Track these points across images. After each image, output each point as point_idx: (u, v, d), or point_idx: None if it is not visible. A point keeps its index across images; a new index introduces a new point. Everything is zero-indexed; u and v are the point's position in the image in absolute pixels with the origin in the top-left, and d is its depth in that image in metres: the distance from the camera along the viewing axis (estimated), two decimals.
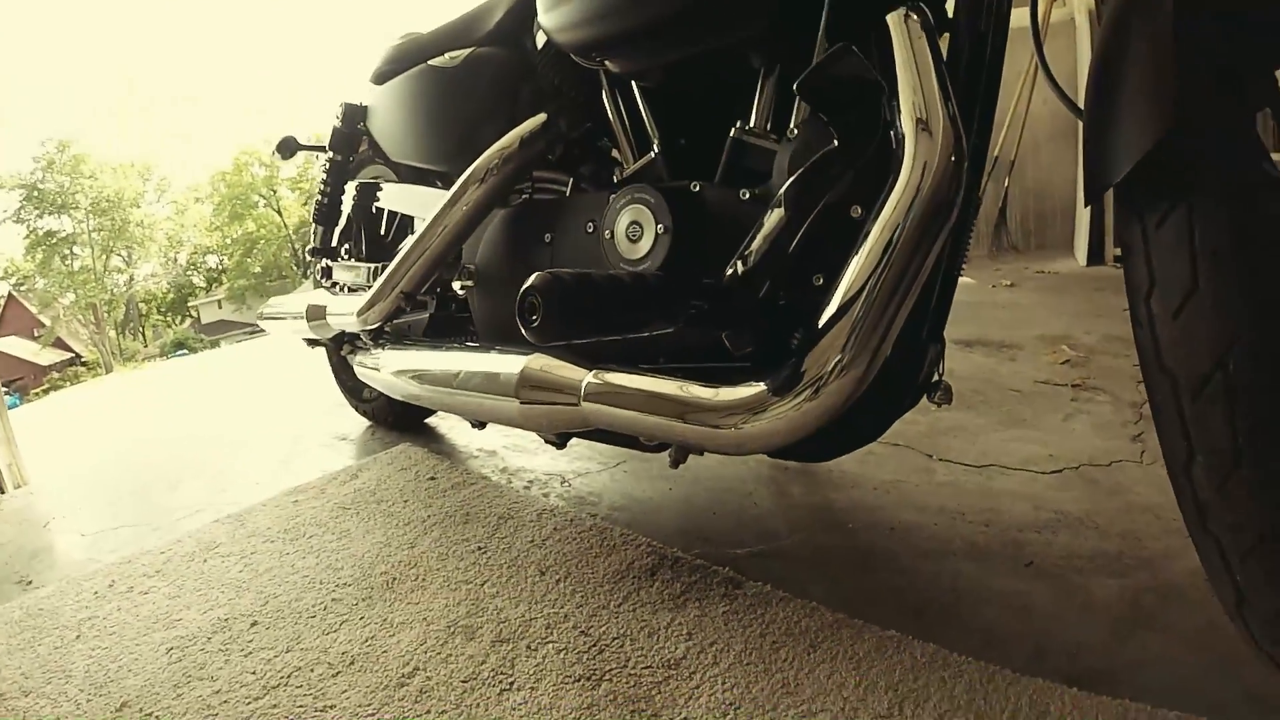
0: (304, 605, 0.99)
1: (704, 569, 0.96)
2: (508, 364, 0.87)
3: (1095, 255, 3.02)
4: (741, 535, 1.06)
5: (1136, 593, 0.83)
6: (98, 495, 1.67)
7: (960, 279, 0.76)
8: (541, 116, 1.00)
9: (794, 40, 0.72)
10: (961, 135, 0.62)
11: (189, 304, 31.83)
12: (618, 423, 0.77)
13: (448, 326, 1.43)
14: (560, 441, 0.94)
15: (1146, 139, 0.52)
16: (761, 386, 0.66)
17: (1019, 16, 0.87)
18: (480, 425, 1.13)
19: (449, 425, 1.75)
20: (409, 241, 1.12)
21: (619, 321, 0.66)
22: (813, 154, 0.67)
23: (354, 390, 1.85)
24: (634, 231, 0.80)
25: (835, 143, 0.66)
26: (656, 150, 0.88)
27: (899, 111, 0.63)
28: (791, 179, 0.66)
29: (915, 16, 0.66)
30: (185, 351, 23.54)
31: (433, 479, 1.38)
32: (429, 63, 1.21)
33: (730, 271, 0.70)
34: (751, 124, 0.78)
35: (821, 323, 0.63)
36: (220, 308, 30.34)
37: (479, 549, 1.09)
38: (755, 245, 0.68)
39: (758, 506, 1.14)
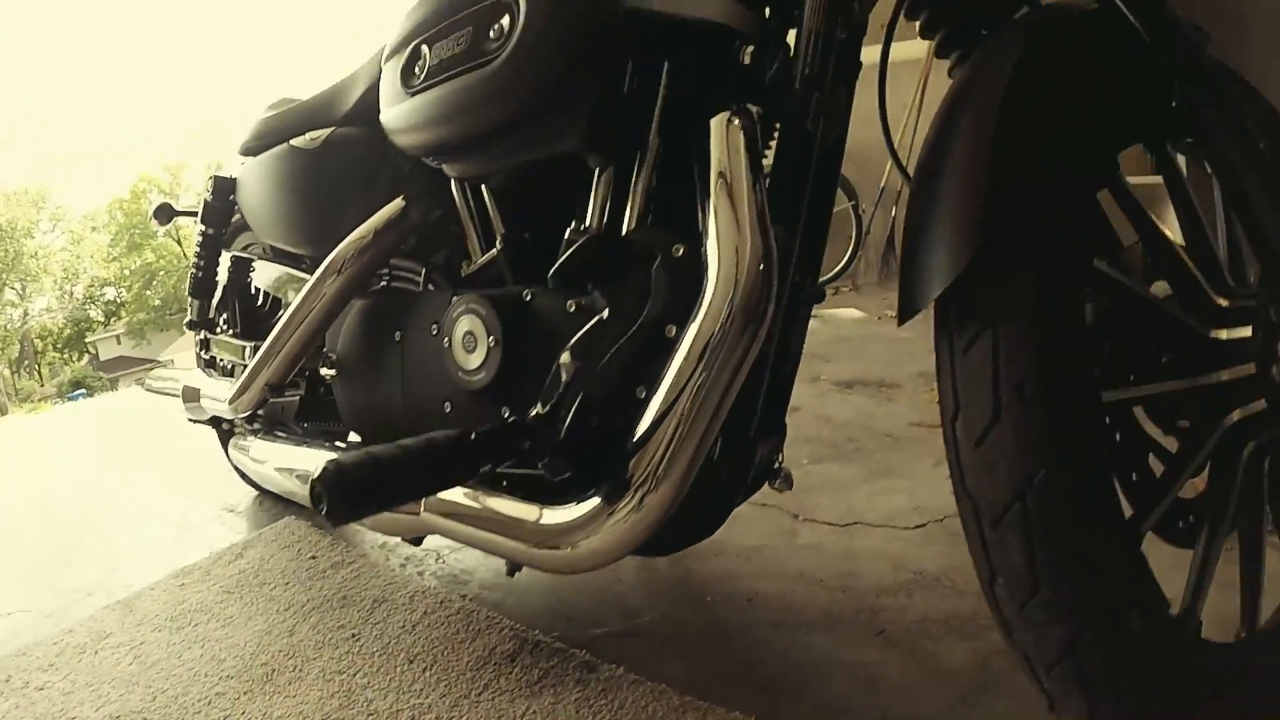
0: (190, 700, 1.00)
1: (562, 652, 1.00)
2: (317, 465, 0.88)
3: None
4: (604, 613, 1.10)
5: (987, 656, 0.85)
6: None
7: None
8: (398, 204, 1.01)
9: (623, 142, 0.74)
10: (771, 247, 0.63)
11: (86, 340, 29.90)
12: (456, 535, 0.80)
13: (319, 410, 1.43)
14: (416, 541, 0.96)
15: (950, 270, 0.53)
16: (585, 506, 0.67)
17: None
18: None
19: None
20: (273, 332, 1.12)
21: (414, 489, 0.67)
22: (633, 265, 0.69)
23: None
24: (469, 342, 0.81)
25: (607, 312, 0.68)
26: (500, 247, 0.88)
27: (708, 223, 0.64)
28: (574, 339, 0.68)
29: (738, 121, 0.66)
30: (83, 393, 22.05)
31: (314, 558, 1.38)
32: (291, 142, 1.22)
33: (537, 407, 0.70)
34: (587, 224, 0.77)
35: (637, 437, 0.65)
36: (119, 343, 28.60)
37: (353, 636, 1.11)
38: (566, 373, 0.69)
39: (622, 582, 1.18)
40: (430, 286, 1.05)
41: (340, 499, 0.59)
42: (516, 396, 0.78)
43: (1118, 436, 0.68)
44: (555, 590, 1.18)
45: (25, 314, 28.98)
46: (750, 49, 0.71)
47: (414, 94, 0.81)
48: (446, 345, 0.85)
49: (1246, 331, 0.62)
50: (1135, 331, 0.65)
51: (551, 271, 0.77)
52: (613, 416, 0.70)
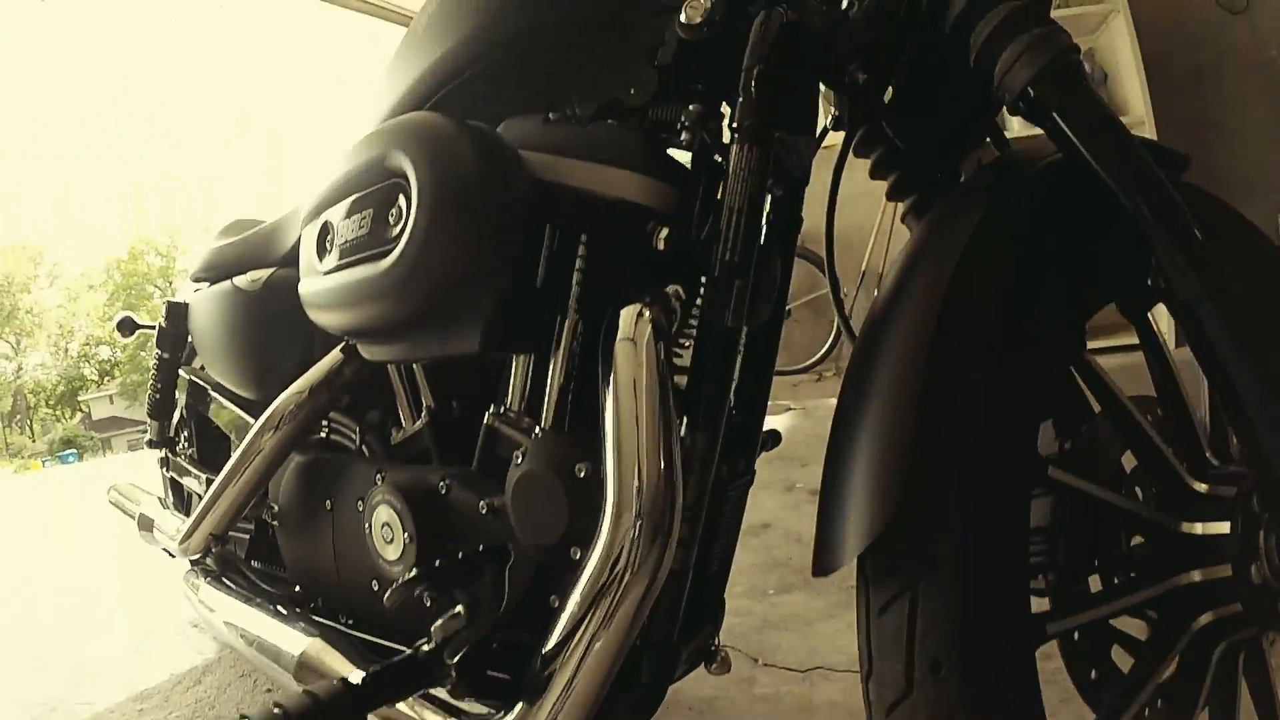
0: None
1: None
2: (288, 642, 0.88)
3: None
4: None
5: None
6: None
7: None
8: (335, 356, 0.97)
9: (534, 330, 0.68)
10: (675, 468, 0.56)
11: (79, 398, 29.86)
12: None
13: (264, 551, 1.42)
14: None
15: (863, 536, 0.49)
16: None
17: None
18: None
19: None
20: (216, 481, 1.13)
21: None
22: (535, 485, 0.64)
23: None
24: (386, 533, 0.79)
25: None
26: (425, 420, 0.86)
27: (606, 436, 0.57)
28: (485, 578, 0.65)
29: (648, 314, 0.60)
30: (74, 453, 21.93)
31: (269, 691, 1.38)
32: (234, 281, 1.20)
33: (438, 631, 0.65)
34: (507, 406, 0.72)
35: (546, 652, 0.61)
36: (112, 403, 28.53)
37: None
38: (477, 585, 0.67)
39: None
40: (364, 447, 1.05)
41: None
42: (435, 589, 0.73)
43: (1075, 635, 0.63)
44: None
45: (19, 369, 28.96)
46: (664, 232, 0.64)
47: (326, 274, 0.77)
48: (368, 530, 0.83)
49: (1224, 527, 0.57)
50: (1095, 532, 0.62)
51: (476, 456, 0.75)
52: (525, 630, 0.66)
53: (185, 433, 1.63)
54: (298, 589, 1.09)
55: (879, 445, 0.51)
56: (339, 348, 0.98)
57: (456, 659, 0.64)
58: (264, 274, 1.17)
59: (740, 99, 0.59)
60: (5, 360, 28.53)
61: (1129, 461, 0.66)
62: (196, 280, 1.41)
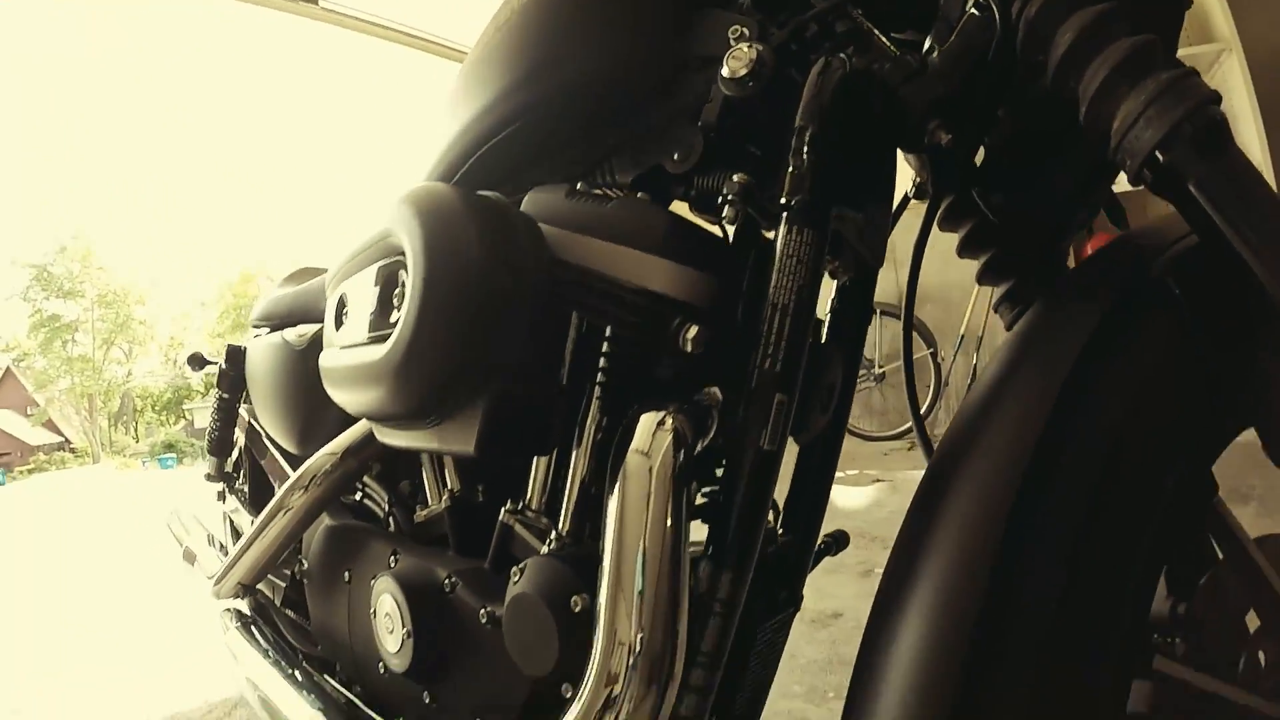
0: None
1: None
2: (296, 711, 0.85)
3: None
4: None
5: None
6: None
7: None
8: (365, 424, 0.94)
9: (545, 435, 0.59)
10: (678, 629, 0.48)
11: (184, 405, 31.85)
12: None
13: (298, 603, 1.41)
14: None
15: None
16: None
17: None
18: None
19: None
20: (248, 532, 1.12)
21: None
22: (525, 618, 0.55)
23: None
24: (388, 623, 0.74)
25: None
26: (445, 504, 0.82)
27: (604, 563, 0.49)
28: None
29: (670, 424, 0.50)
30: (173, 458, 23.24)
31: None
32: (284, 335, 1.21)
33: None
34: (525, 503, 0.65)
35: None
36: None
37: None
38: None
39: None
40: (390, 519, 1.03)
41: None
42: (436, 685, 0.72)
43: None
44: None
45: (129, 373, 31.10)
46: (693, 331, 0.52)
47: (342, 349, 0.70)
48: (372, 614, 0.79)
49: None
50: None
51: (490, 552, 0.67)
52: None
53: (241, 471, 1.66)
54: (319, 649, 1.07)
55: (930, 629, 0.41)
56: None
57: None
58: (310, 330, 1.17)
59: (790, 168, 0.47)
60: (117, 365, 30.71)
61: (1252, 621, 0.53)
62: (255, 326, 1.43)
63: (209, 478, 1.67)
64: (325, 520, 1.06)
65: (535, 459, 0.65)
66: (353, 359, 0.66)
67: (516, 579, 0.57)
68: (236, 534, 1.57)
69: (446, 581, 0.70)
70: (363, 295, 0.68)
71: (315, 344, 1.14)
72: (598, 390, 0.56)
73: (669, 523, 0.49)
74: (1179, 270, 0.47)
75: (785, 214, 0.49)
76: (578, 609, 0.53)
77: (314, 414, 1.15)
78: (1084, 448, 0.42)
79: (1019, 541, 0.41)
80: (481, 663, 0.65)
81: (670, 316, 0.54)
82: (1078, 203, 0.57)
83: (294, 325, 1.24)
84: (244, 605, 1.29)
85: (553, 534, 0.59)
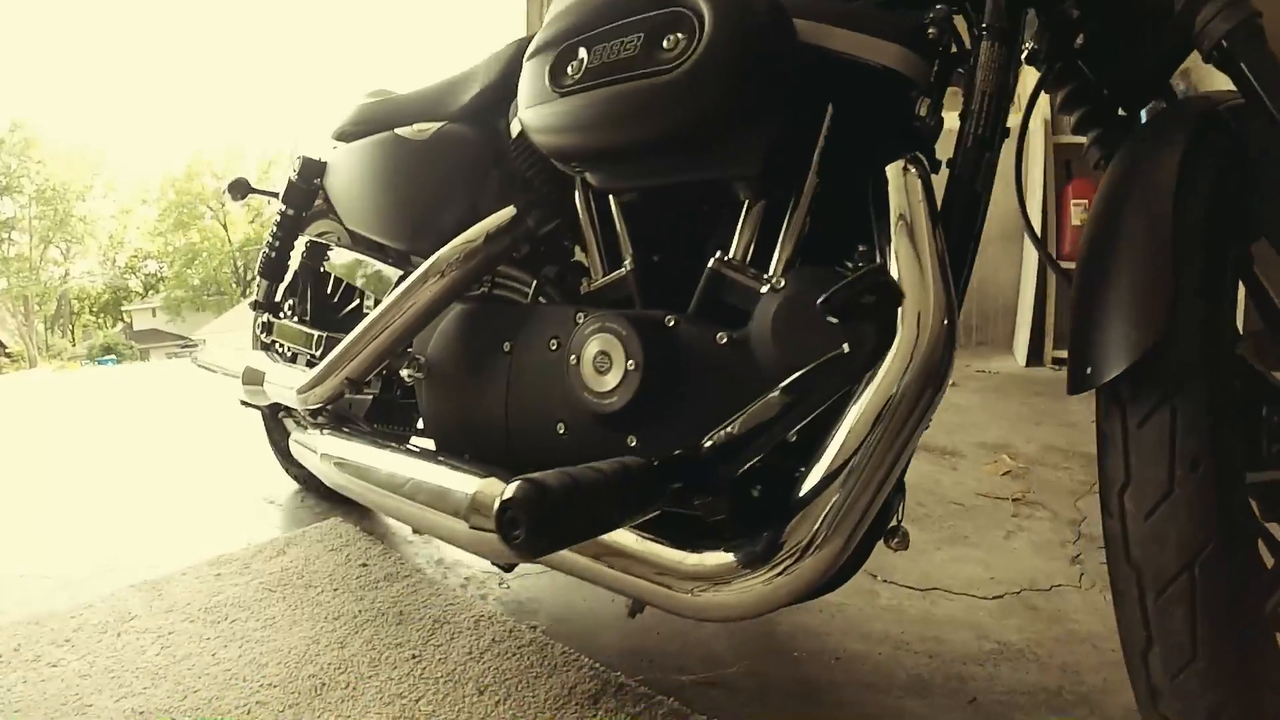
0: (225, 705, 0.90)
1: (648, 698, 0.91)
2: (460, 483, 0.80)
3: (1034, 356, 3.10)
4: (686, 660, 1.01)
5: None
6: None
7: None
8: (510, 210, 0.94)
9: (784, 177, 0.70)
10: (953, 300, 0.60)
11: (123, 308, 30.07)
12: (575, 568, 0.74)
13: (391, 412, 1.34)
14: (508, 567, 0.87)
15: (1137, 346, 0.53)
16: (731, 558, 0.62)
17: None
18: (418, 532, 1.04)
19: None
20: (361, 326, 1.04)
21: (605, 521, 0.59)
22: (801, 308, 0.64)
23: (286, 452, 1.70)
24: (601, 362, 0.75)
25: (845, 347, 0.61)
26: (629, 267, 0.83)
27: (893, 271, 0.60)
28: (800, 374, 0.62)
29: (914, 170, 0.65)
30: (113, 359, 22.08)
31: (364, 565, 1.28)
32: (396, 131, 1.14)
33: (710, 440, 0.65)
34: (731, 255, 0.74)
35: (803, 494, 0.60)
36: (154, 316, 28.69)
37: (414, 657, 1.00)
38: (744, 418, 0.64)
39: (703, 628, 1.09)
40: (540, 300, 0.97)
41: (541, 530, 0.52)
42: (646, 425, 0.74)
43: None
44: (633, 630, 1.08)
45: (66, 274, 29.21)
46: (928, 101, 0.70)
47: (565, 94, 0.75)
48: (573, 363, 0.78)
49: None
50: (1260, 418, 0.63)
51: (695, 300, 0.74)
52: (778, 463, 0.65)
53: (292, 300, 1.55)
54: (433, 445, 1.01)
55: (1138, 278, 0.56)
56: (512, 203, 0.94)
57: (732, 465, 0.64)
58: (432, 126, 1.10)
59: (990, 5, 0.66)
60: (54, 265, 28.72)
61: None
62: (341, 137, 1.32)
63: (256, 305, 1.55)
64: (456, 309, 0.99)
65: (745, 210, 0.74)
66: (603, 96, 0.72)
67: (779, 285, 0.68)
68: (288, 359, 1.46)
69: (666, 319, 0.75)
70: (613, 44, 0.72)
71: (442, 137, 1.08)
72: (820, 152, 0.68)
73: (936, 238, 0.62)
74: (1232, 115, 0.64)
75: (987, 32, 0.66)
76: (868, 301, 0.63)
77: (435, 206, 1.08)
78: (1197, 211, 0.58)
79: (1182, 230, 0.57)
80: (711, 385, 0.70)
81: (905, 91, 0.69)
82: (1153, 74, 0.73)
83: (406, 125, 1.16)
84: (323, 419, 1.21)
85: (766, 278, 0.70)
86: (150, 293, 30.15)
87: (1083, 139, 0.77)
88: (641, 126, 0.70)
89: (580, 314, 0.81)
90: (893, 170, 0.65)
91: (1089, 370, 0.56)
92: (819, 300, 0.58)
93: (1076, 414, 2.17)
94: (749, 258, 0.74)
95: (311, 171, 1.38)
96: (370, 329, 1.01)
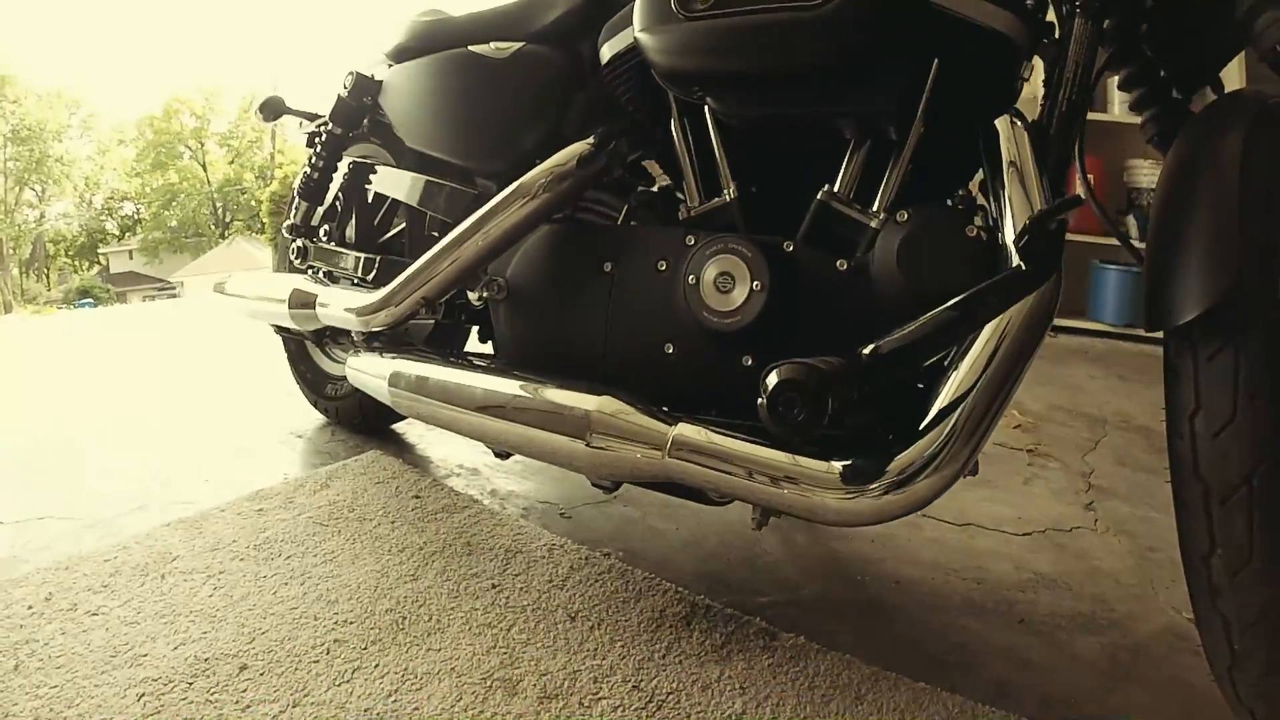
0: (300, 646, 0.82)
1: (737, 619, 0.89)
2: (576, 402, 0.77)
3: None
4: (760, 584, 1.00)
5: (1114, 649, 0.89)
6: (12, 473, 1.37)
7: None
8: (599, 135, 0.89)
9: (901, 118, 0.71)
10: (1061, 244, 0.63)
11: (99, 250, 28.58)
12: (705, 480, 0.72)
13: (450, 337, 1.27)
14: (614, 485, 0.83)
15: (1211, 293, 0.58)
16: (868, 468, 0.65)
17: None
18: (505, 455, 0.99)
19: (419, 433, 1.55)
20: (438, 245, 0.97)
21: (838, 410, 0.61)
22: (931, 240, 0.67)
23: (314, 385, 1.61)
24: (724, 283, 0.74)
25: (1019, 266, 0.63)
26: (733, 194, 0.80)
27: (1007, 215, 0.64)
28: (974, 291, 0.63)
29: (1019, 124, 0.68)
30: (90, 302, 21.08)
31: (417, 498, 1.21)
32: (472, 48, 1.06)
33: (870, 351, 0.64)
34: (837, 189, 0.75)
35: (933, 416, 0.64)
36: (131, 258, 27.29)
37: (494, 587, 0.95)
38: (910, 334, 0.64)
39: (769, 554, 1.08)
40: (632, 224, 0.91)
41: (818, 409, 0.56)
42: (765, 344, 0.74)
43: None
44: (702, 557, 1.06)
45: (41, 216, 27.65)
46: (1031, 65, 0.73)
47: (696, 18, 0.73)
48: (692, 282, 0.75)
49: None
50: None
51: (804, 229, 0.75)
52: (914, 380, 0.70)
53: (328, 224, 1.44)
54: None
55: (1214, 226, 0.60)
56: (601, 130, 0.90)
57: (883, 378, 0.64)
58: (512, 45, 1.03)
59: None
60: (29, 208, 27.07)
61: None
62: (399, 55, 1.21)
63: (292, 229, 1.42)
64: (545, 230, 0.93)
65: (852, 148, 0.75)
66: (744, 24, 0.70)
67: (904, 219, 0.69)
68: (333, 280, 1.36)
69: (784, 244, 0.75)
70: None
71: (523, 56, 1.00)
72: (926, 100, 0.69)
73: (1044, 185, 0.67)
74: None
75: (1080, 10, 0.68)
76: (973, 235, 0.67)
77: (515, 125, 1.01)
78: (1259, 186, 0.61)
79: (1246, 200, 0.60)
80: (831, 308, 0.72)
81: (1009, 52, 0.70)
82: (1210, 65, 0.77)
83: (453, 48, 1.08)
84: (380, 344, 1.14)
85: (874, 211, 0.72)
86: (127, 235, 28.65)
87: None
88: (782, 57, 0.69)
89: (690, 236, 0.79)
90: (1002, 124, 0.68)
91: (1169, 311, 0.60)
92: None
93: (1077, 377, 2.18)
94: (853, 193, 0.75)
95: (364, 89, 1.26)
96: (449, 249, 0.94)
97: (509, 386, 0.82)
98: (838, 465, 0.65)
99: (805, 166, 0.81)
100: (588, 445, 0.74)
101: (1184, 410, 0.61)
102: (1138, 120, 0.77)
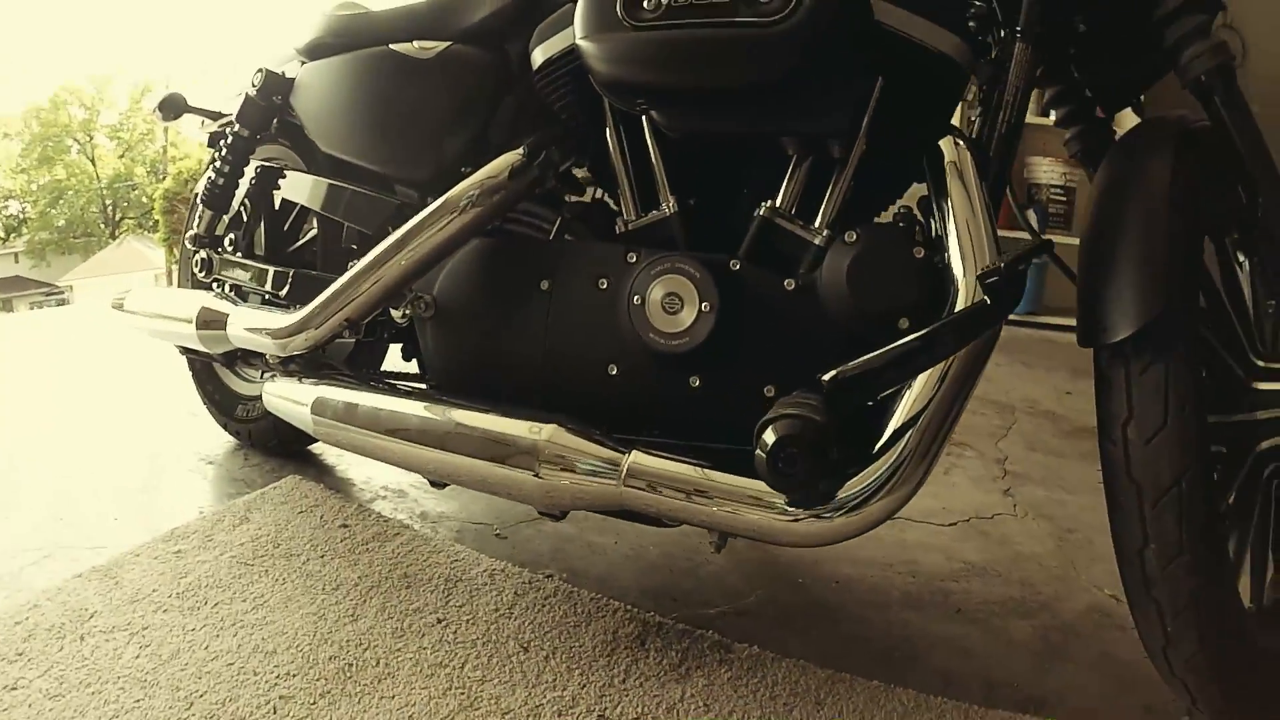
0: (243, 708, 0.72)
1: (690, 634, 0.86)
2: (523, 431, 0.71)
3: None
4: (707, 594, 0.97)
5: (1045, 631, 0.92)
6: None
7: None
8: (529, 144, 0.83)
9: (845, 135, 0.70)
10: (1024, 281, 0.63)
11: None
12: (661, 508, 0.68)
13: (370, 357, 1.17)
14: (562, 514, 0.78)
15: (1144, 313, 0.61)
16: (824, 490, 0.64)
17: None
18: (442, 485, 0.91)
19: (336, 453, 1.41)
20: (362, 262, 0.88)
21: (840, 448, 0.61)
22: (885, 260, 0.67)
23: (223, 406, 1.46)
24: (671, 303, 0.71)
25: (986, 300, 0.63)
26: (673, 209, 0.76)
27: (952, 235, 0.64)
28: (940, 324, 0.62)
29: (963, 144, 0.68)
30: None
31: (345, 526, 1.10)
32: (393, 47, 0.97)
33: (831, 378, 0.62)
34: (779, 205, 0.73)
35: (886, 440, 0.64)
36: (17, 261, 24.42)
37: (439, 621, 0.87)
38: (865, 363, 0.63)
39: (711, 562, 1.05)
40: (566, 238, 0.86)
41: (818, 467, 0.55)
42: (711, 364, 0.72)
43: None
44: (646, 570, 1.02)
45: None
46: (980, 88, 0.73)
47: (643, 28, 0.69)
48: (638, 303, 0.71)
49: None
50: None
51: (746, 246, 0.73)
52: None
53: (234, 233, 1.30)
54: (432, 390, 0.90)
55: (1145, 249, 0.63)
56: (531, 139, 0.84)
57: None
58: (437, 44, 0.95)
59: (1025, 12, 0.67)
60: None
61: None
62: (313, 51, 1.10)
63: (196, 240, 1.28)
64: (475, 245, 0.86)
65: (794, 164, 0.73)
66: (693, 37, 0.67)
67: (853, 239, 0.68)
68: (241, 294, 1.23)
69: (731, 263, 0.72)
70: None
71: (450, 57, 0.92)
72: (867, 120, 0.69)
73: (988, 209, 0.67)
74: (1202, 134, 0.71)
75: (1021, 34, 0.67)
76: (920, 256, 0.67)
77: (441, 129, 0.93)
78: (1185, 209, 0.65)
79: (1174, 224, 0.64)
80: (778, 329, 0.70)
81: (954, 74, 0.70)
82: (1134, 88, 0.80)
83: (372, 45, 0.99)
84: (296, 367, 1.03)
85: (816, 228, 0.71)
86: (11, 236, 25.64)
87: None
88: (733, 72, 0.68)
89: (632, 253, 0.75)
90: (946, 144, 0.68)
91: (1104, 330, 0.63)
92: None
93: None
94: (794, 209, 0.74)
95: (274, 87, 1.13)
96: (373, 266, 0.86)
97: (448, 415, 0.75)
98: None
99: (743, 180, 0.79)
100: (537, 476, 0.68)
101: (1117, 419, 0.63)
102: (1039, 121, 0.79)
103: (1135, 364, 0.62)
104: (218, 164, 1.20)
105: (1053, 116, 0.84)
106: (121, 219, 25.48)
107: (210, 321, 1.10)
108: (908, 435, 0.62)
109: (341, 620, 0.87)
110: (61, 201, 24.67)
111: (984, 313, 0.62)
